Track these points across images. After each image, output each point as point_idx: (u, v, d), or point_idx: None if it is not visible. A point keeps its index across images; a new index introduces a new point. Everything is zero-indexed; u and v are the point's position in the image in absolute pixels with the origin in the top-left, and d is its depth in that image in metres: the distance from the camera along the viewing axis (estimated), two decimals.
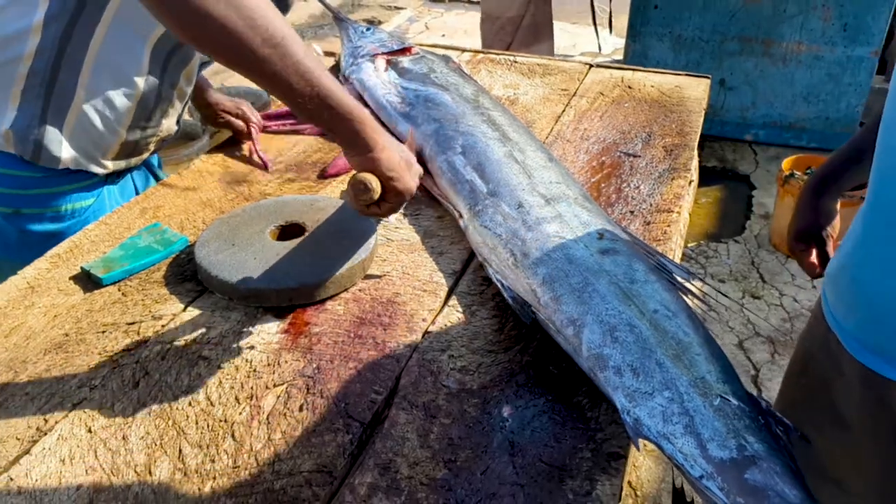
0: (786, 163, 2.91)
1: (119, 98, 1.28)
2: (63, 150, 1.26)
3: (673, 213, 1.32)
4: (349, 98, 1.01)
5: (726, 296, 1.13)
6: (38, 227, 1.31)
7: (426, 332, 1.04)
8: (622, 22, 4.33)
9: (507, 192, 1.19)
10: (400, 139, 1.50)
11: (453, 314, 1.08)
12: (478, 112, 1.44)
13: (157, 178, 1.56)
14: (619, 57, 4.96)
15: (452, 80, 1.59)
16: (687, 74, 1.90)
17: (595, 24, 3.82)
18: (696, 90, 1.82)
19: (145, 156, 1.43)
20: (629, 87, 1.83)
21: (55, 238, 1.29)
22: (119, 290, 1.13)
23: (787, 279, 2.81)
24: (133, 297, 1.11)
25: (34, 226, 1.31)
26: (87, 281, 1.14)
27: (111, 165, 1.35)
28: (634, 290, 0.98)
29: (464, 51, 2.07)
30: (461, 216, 1.25)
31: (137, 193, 1.47)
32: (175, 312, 1.08)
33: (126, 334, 1.04)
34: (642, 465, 1.91)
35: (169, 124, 1.42)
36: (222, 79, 5.03)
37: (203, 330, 1.04)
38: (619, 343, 0.92)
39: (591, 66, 1.96)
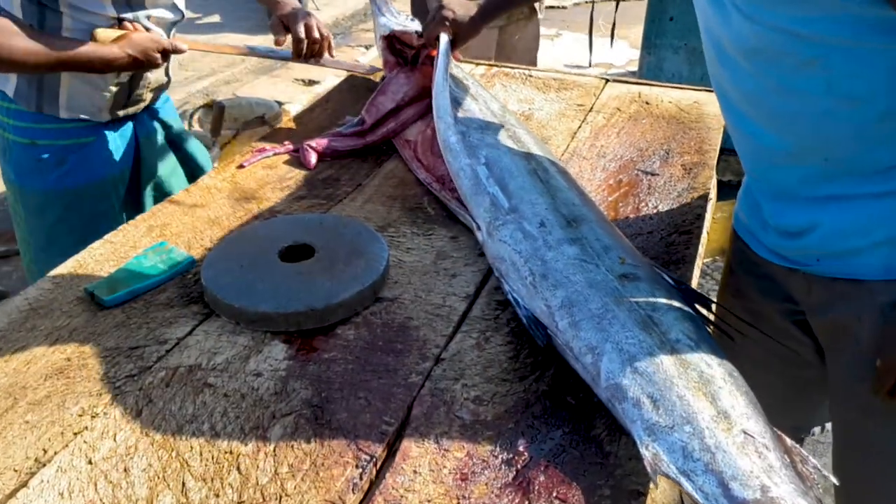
0: None
1: None
2: (61, 108, 1.55)
3: (693, 235, 1.29)
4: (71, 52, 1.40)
5: (755, 326, 1.09)
6: (49, 156, 1.57)
7: (439, 359, 1.01)
8: (636, 33, 4.30)
9: (530, 210, 1.16)
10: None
11: (467, 340, 1.04)
12: (504, 127, 1.41)
13: (167, 128, 1.80)
14: (634, 68, 4.93)
15: (482, 94, 1.57)
16: (706, 90, 1.86)
17: (591, 34, 3.78)
18: (714, 106, 1.77)
19: (142, 105, 1.69)
20: (647, 103, 1.80)
21: (63, 165, 1.58)
22: (123, 312, 1.10)
23: None
24: (137, 320, 1.08)
25: (46, 154, 1.57)
26: (91, 303, 1.11)
27: (108, 115, 1.61)
28: (656, 318, 0.94)
29: (478, 64, 2.04)
30: (479, 228, 1.21)
31: (137, 139, 1.71)
32: (180, 336, 1.05)
33: (129, 359, 1.01)
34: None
35: (156, 76, 1.67)
36: (233, 89, 5.03)
37: (209, 355, 1.01)
38: (638, 373, 0.88)
39: (607, 80, 1.92)
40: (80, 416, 0.92)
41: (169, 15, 1.60)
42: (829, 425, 1.52)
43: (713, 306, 1.03)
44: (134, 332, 1.06)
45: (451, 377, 0.98)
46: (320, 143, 1.54)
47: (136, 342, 1.04)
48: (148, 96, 1.70)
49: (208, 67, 5.09)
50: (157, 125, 1.78)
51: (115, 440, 0.89)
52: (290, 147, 1.57)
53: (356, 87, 1.89)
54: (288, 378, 0.97)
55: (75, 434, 0.89)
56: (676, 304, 0.98)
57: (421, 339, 1.04)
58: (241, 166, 1.51)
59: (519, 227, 1.14)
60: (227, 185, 1.45)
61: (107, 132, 1.63)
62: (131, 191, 1.73)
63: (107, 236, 1.27)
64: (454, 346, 1.03)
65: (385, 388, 0.96)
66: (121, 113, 1.63)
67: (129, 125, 1.69)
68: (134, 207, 1.72)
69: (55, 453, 0.87)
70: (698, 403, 0.84)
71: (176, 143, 1.84)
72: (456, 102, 1.49)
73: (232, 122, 3.01)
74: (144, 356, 1.01)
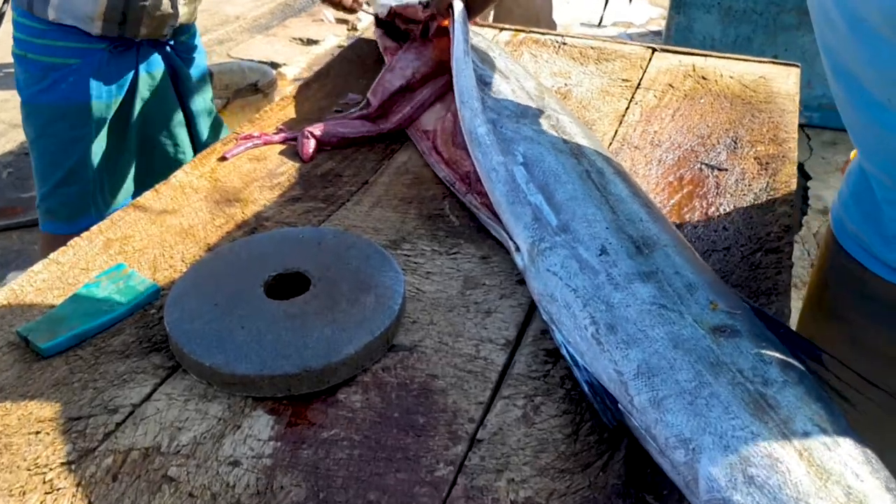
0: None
1: None
2: (50, 7, 1.48)
3: (783, 254, 1.03)
4: None
5: (876, 385, 0.84)
6: (38, 72, 1.54)
7: (475, 441, 0.76)
8: None
9: (585, 230, 0.90)
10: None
11: (510, 410, 0.80)
12: (543, 113, 1.15)
13: (178, 77, 1.70)
14: (655, 28, 4.61)
15: (512, 68, 1.30)
16: (771, 62, 1.59)
17: None
18: (785, 82, 1.51)
19: (143, 31, 1.56)
20: (703, 78, 1.52)
21: (43, 80, 1.54)
22: (66, 363, 0.85)
23: None
24: (82, 375, 0.84)
25: (35, 70, 1.55)
26: (25, 349, 0.87)
27: (100, 28, 1.52)
28: (770, 396, 0.70)
29: (502, 29, 1.76)
30: (518, 249, 0.96)
31: (137, 75, 1.61)
32: (136, 402, 0.80)
33: (67, 437, 0.77)
34: None
35: (157, 2, 1.53)
36: (227, 49, 4.73)
37: (171, 432, 0.77)
38: (755, 486, 0.64)
39: (654, 49, 1.65)
40: None
41: None
42: None
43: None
44: (77, 394, 0.82)
45: (493, 468, 0.73)
46: (321, 128, 1.28)
47: (79, 410, 0.80)
48: (147, 23, 1.56)
49: (200, 26, 4.78)
50: (164, 67, 1.67)
51: None
52: (285, 135, 1.30)
53: (362, 57, 1.62)
54: (274, 469, 0.73)
55: None
56: (793, 372, 0.73)
57: (450, 410, 0.79)
58: (223, 158, 1.25)
59: (572, 253, 0.88)
60: (206, 182, 1.20)
61: (97, 57, 1.56)
62: (119, 129, 1.64)
63: (52, 255, 1.02)
64: (494, 419, 0.79)
65: (404, 487, 0.71)
66: (115, 31, 1.54)
67: (132, 57, 1.61)
68: (118, 148, 1.65)
69: None
70: None
71: (184, 98, 1.73)
72: (482, 82, 1.22)
73: (223, 90, 2.74)
74: (87, 432, 0.77)
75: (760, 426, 0.67)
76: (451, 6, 1.28)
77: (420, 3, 1.38)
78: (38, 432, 0.77)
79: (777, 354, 0.74)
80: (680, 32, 3.42)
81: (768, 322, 0.82)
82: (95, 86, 1.57)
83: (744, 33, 3.32)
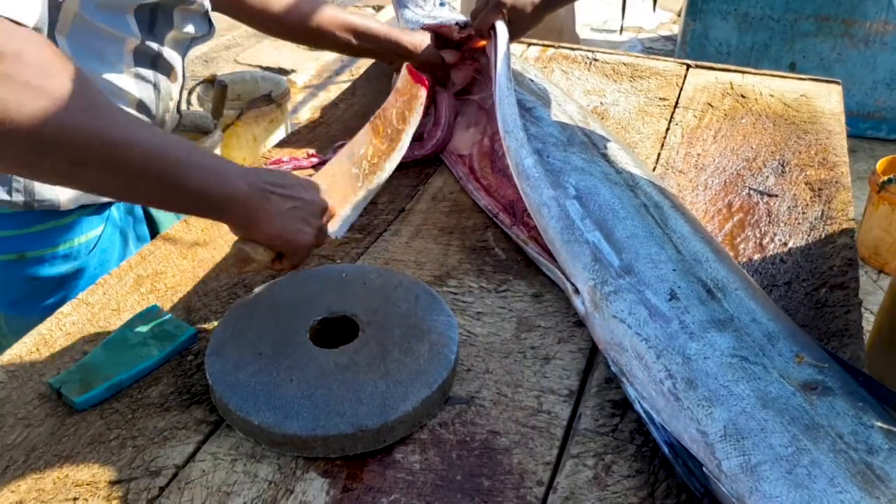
0: (881, 163, 2.53)
1: None
2: (60, 192, 1.03)
3: (849, 290, 0.98)
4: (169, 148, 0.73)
5: None
6: (49, 270, 1.08)
7: None
8: None
9: (651, 272, 0.85)
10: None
11: (581, 471, 0.74)
12: (590, 140, 1.09)
13: None
14: (665, 32, 4.57)
15: (550, 90, 1.24)
16: (811, 78, 1.54)
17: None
18: (828, 101, 1.46)
19: None
20: (742, 96, 1.47)
21: (70, 280, 1.09)
22: (101, 417, 0.80)
23: (880, 300, 2.46)
24: (119, 432, 0.78)
25: (43, 270, 1.08)
26: (58, 402, 0.82)
27: (72, 203, 1.07)
28: (878, 467, 0.65)
29: (530, 44, 1.71)
30: (577, 292, 0.91)
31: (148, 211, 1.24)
32: (179, 463, 0.75)
33: None
34: None
35: (171, 117, 1.16)
36: (234, 54, 4.67)
37: (220, 498, 0.72)
38: None
39: (688, 66, 1.60)
40: None
41: (197, 29, 1.10)
42: None
43: None
44: (115, 453, 0.76)
45: None
46: None
47: (119, 472, 0.74)
48: None
49: None
50: None
51: None
52: (316, 159, 1.25)
53: (387, 74, 1.56)
54: None
55: None
56: None
57: (516, 471, 0.74)
58: None
59: (640, 298, 0.83)
60: None
61: (114, 208, 1.14)
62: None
63: (81, 295, 0.97)
64: (564, 481, 0.73)
65: None
66: (89, 200, 1.10)
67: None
68: None
69: None
70: None
71: None
72: (521, 107, 1.17)
73: (235, 100, 2.68)
74: (129, 498, 0.72)
75: (872, 502, 0.62)
76: (493, 28, 1.22)
77: (457, 23, 1.31)
78: (75, 499, 0.72)
79: (876, 416, 0.69)
80: (696, 40, 3.37)
81: (848, 370, 0.77)
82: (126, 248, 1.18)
83: (761, 40, 3.27)
